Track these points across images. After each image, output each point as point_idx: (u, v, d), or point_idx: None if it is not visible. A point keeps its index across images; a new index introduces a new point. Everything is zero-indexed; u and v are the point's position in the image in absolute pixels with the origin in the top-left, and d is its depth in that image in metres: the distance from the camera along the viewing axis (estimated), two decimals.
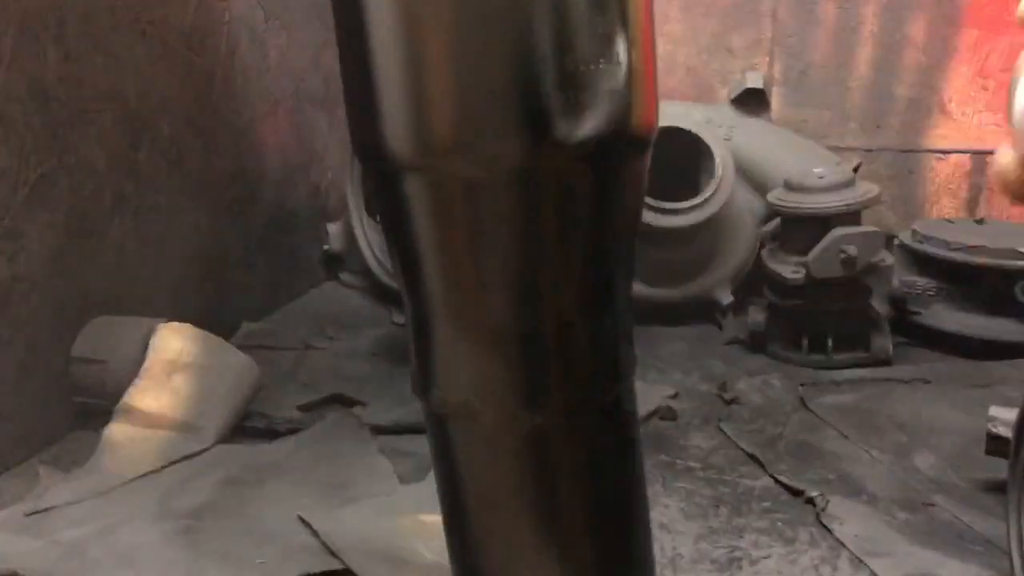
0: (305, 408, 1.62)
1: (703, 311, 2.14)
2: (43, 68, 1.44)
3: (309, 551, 1.13)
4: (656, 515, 1.27)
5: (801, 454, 1.45)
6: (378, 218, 0.76)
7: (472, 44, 0.63)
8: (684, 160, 2.11)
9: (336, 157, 2.54)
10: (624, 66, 0.68)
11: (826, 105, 2.36)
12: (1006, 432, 1.22)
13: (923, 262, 1.94)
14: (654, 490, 1.35)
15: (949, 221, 2.08)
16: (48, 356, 1.49)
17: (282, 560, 1.11)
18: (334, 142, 2.54)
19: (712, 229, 2.06)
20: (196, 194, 1.89)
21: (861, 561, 1.13)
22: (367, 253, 2.17)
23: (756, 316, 1.92)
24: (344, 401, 1.66)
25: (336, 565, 1.10)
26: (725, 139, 2.12)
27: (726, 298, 2.12)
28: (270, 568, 1.10)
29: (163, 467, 1.39)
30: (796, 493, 1.32)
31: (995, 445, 1.24)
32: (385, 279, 1.87)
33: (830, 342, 1.83)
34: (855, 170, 2.03)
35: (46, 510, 1.25)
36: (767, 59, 2.39)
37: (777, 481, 1.36)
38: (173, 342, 1.50)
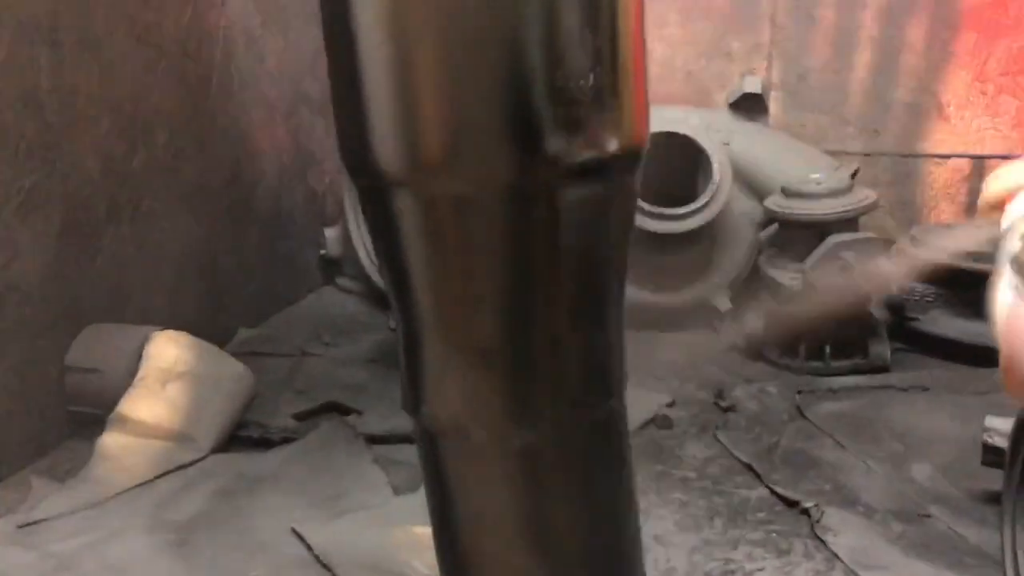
0: (300, 416, 1.62)
1: (701, 317, 2.13)
2: (37, 76, 1.43)
3: (302, 564, 1.13)
4: (651, 527, 1.27)
5: (797, 463, 1.44)
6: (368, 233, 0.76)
7: (462, 61, 0.63)
8: (682, 165, 2.10)
9: (334, 161, 2.53)
10: (614, 82, 0.68)
11: (825, 109, 2.36)
12: (1002, 443, 1.21)
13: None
14: (649, 501, 1.34)
15: (948, 225, 2.07)
16: (42, 365, 1.48)
17: (275, 573, 1.11)
18: (332, 146, 2.53)
19: (710, 234, 2.06)
20: (192, 200, 1.89)
21: (855, 574, 1.13)
22: (364, 258, 2.17)
23: (753, 322, 1.92)
24: (339, 409, 1.66)
25: None
26: (723, 144, 2.12)
27: (724, 304, 2.11)
28: None
29: (157, 477, 1.39)
30: (791, 504, 1.31)
31: (991, 456, 1.24)
32: (382, 284, 1.86)
33: (828, 349, 1.82)
34: (853, 176, 2.02)
35: (39, 522, 1.24)
36: (766, 63, 2.38)
37: (772, 491, 1.35)
38: (168, 351, 1.50)
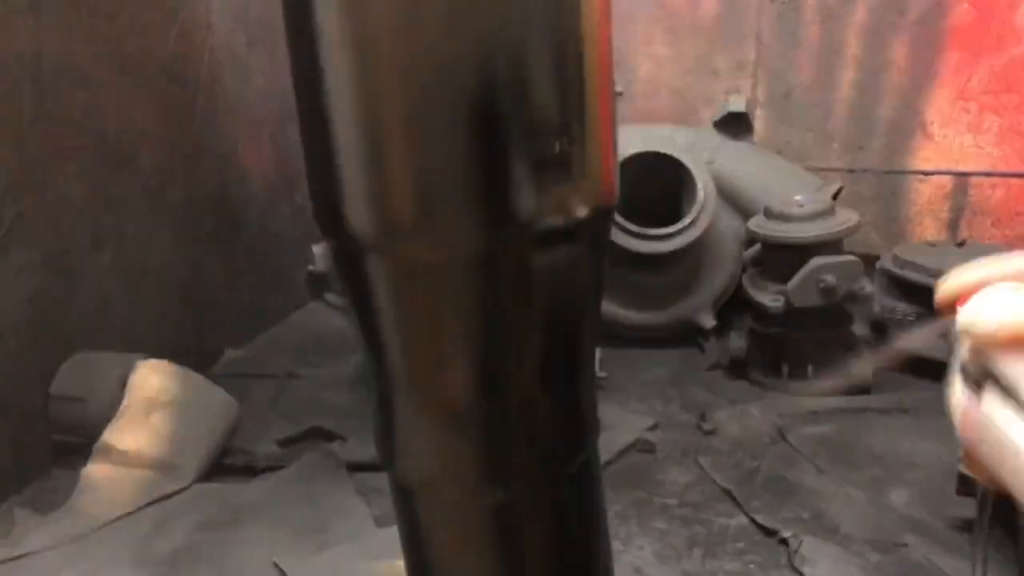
0: (284, 443, 1.62)
1: (686, 334, 2.14)
2: (19, 107, 1.44)
3: None
4: (631, 558, 1.28)
5: (777, 490, 1.46)
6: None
7: (432, 129, 0.63)
8: (668, 183, 2.11)
9: None
10: (583, 148, 0.68)
11: (809, 127, 2.37)
12: None
13: (903, 287, 1.95)
14: (629, 530, 1.36)
15: (930, 244, 2.09)
16: (26, 394, 1.49)
17: None
18: None
19: (694, 254, 2.07)
20: (177, 223, 1.89)
21: None
22: None
23: (737, 342, 1.93)
24: (324, 435, 1.66)
25: None
26: (708, 163, 2.13)
27: (708, 322, 2.13)
28: None
29: (141, 508, 1.39)
30: (770, 533, 1.33)
31: (965, 486, 1.25)
32: None
33: (810, 369, 1.84)
34: (835, 196, 2.04)
35: (22, 556, 1.25)
36: (751, 81, 2.39)
37: (752, 520, 1.37)
38: (152, 380, 1.50)
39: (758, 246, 2.00)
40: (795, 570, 1.23)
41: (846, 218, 1.81)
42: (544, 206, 0.66)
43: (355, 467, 1.51)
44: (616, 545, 1.31)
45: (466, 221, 0.65)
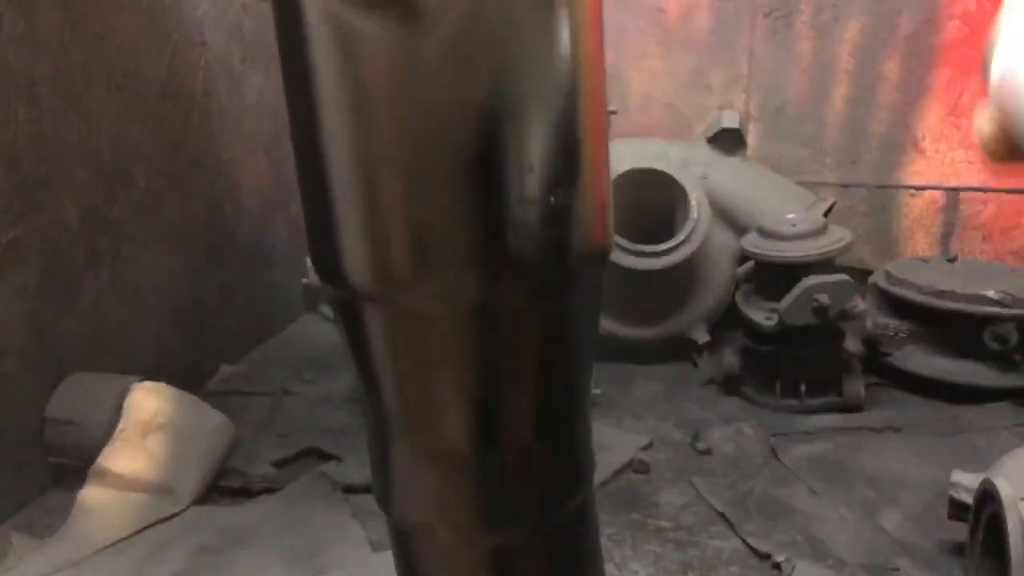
0: (280, 464, 1.63)
1: (679, 350, 2.15)
2: (14, 130, 1.43)
3: None
4: None
5: (771, 512, 1.47)
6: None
7: (428, 182, 0.64)
8: (661, 198, 2.12)
9: None
10: (577, 199, 0.69)
11: (802, 141, 2.38)
12: (967, 498, 1.24)
13: (895, 304, 1.96)
14: (623, 554, 1.36)
15: (922, 260, 2.10)
16: (22, 416, 1.49)
17: None
18: None
19: (688, 270, 2.08)
20: (172, 241, 1.89)
21: None
22: None
23: (730, 359, 1.94)
24: (319, 455, 1.67)
25: None
26: (701, 178, 2.14)
27: (702, 337, 2.14)
28: None
29: (137, 532, 1.39)
30: (764, 557, 1.34)
31: (956, 511, 1.27)
32: None
33: (803, 387, 1.85)
34: (827, 213, 2.05)
35: None
36: (744, 96, 2.40)
37: (745, 543, 1.38)
38: (148, 402, 1.50)
39: (751, 263, 2.01)
40: None
41: (838, 237, 1.82)
42: (540, 257, 0.67)
43: (350, 489, 1.52)
44: (610, 569, 1.31)
45: (463, 272, 0.66)
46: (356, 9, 0.59)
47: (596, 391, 1.92)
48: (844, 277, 1.76)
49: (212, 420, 1.57)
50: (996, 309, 1.79)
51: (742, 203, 2.14)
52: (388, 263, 0.67)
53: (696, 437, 1.73)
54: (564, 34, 0.64)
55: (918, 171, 2.30)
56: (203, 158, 2.01)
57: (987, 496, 1.12)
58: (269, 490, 1.54)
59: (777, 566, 1.31)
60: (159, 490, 1.45)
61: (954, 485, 1.27)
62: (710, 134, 2.21)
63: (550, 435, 0.77)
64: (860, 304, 1.81)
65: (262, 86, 2.25)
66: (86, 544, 1.35)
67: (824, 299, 1.74)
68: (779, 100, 2.38)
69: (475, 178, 0.63)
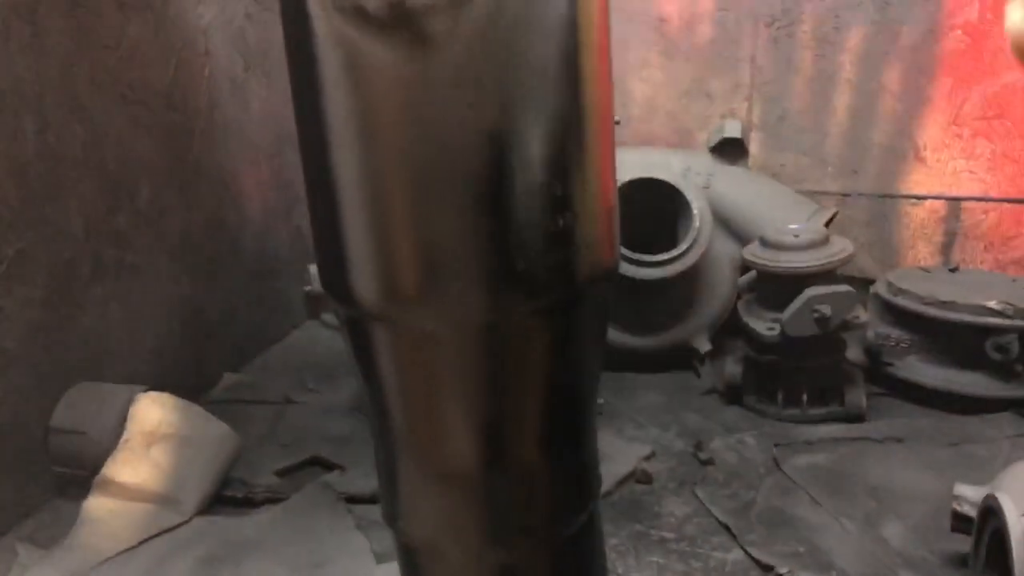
0: (283, 473, 1.63)
1: (682, 358, 2.16)
2: (21, 144, 1.44)
3: None
4: None
5: (773, 523, 1.47)
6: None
7: (437, 204, 0.65)
8: (664, 207, 2.13)
9: None
10: (584, 217, 0.70)
11: (804, 150, 2.39)
12: (971, 511, 1.25)
13: (897, 314, 1.96)
14: (627, 564, 1.37)
15: (924, 270, 2.11)
16: (27, 427, 1.49)
17: None
18: None
19: (690, 279, 2.08)
20: (176, 251, 1.90)
21: None
22: None
23: (732, 368, 1.95)
24: (322, 464, 1.67)
25: None
26: (704, 187, 2.15)
27: (704, 346, 2.14)
28: None
29: (142, 542, 1.40)
30: (766, 568, 1.34)
31: (960, 523, 1.27)
32: None
33: (805, 396, 1.85)
34: (828, 223, 2.06)
35: None
36: (746, 104, 2.41)
37: (748, 554, 1.38)
38: (152, 412, 1.51)
39: (753, 273, 2.02)
40: None
41: (840, 248, 1.83)
42: (547, 278, 0.67)
43: (354, 499, 1.52)
44: None
45: (470, 293, 0.67)
46: (366, 33, 0.60)
47: (599, 400, 1.92)
48: (846, 288, 1.77)
49: (216, 430, 1.57)
50: (997, 320, 1.79)
51: (744, 212, 2.15)
52: (396, 283, 0.68)
53: (698, 447, 1.73)
54: (571, 59, 0.65)
55: (919, 181, 2.30)
56: (207, 168, 2.01)
57: (990, 511, 1.13)
58: (272, 500, 1.55)
59: None
60: (163, 500, 1.45)
61: (957, 498, 1.28)
62: (712, 143, 2.22)
63: (556, 454, 0.77)
64: (862, 315, 1.82)
65: (265, 95, 2.25)
66: (91, 554, 1.36)
67: (826, 310, 1.74)
68: (781, 109, 2.39)
69: (483, 200, 0.64)
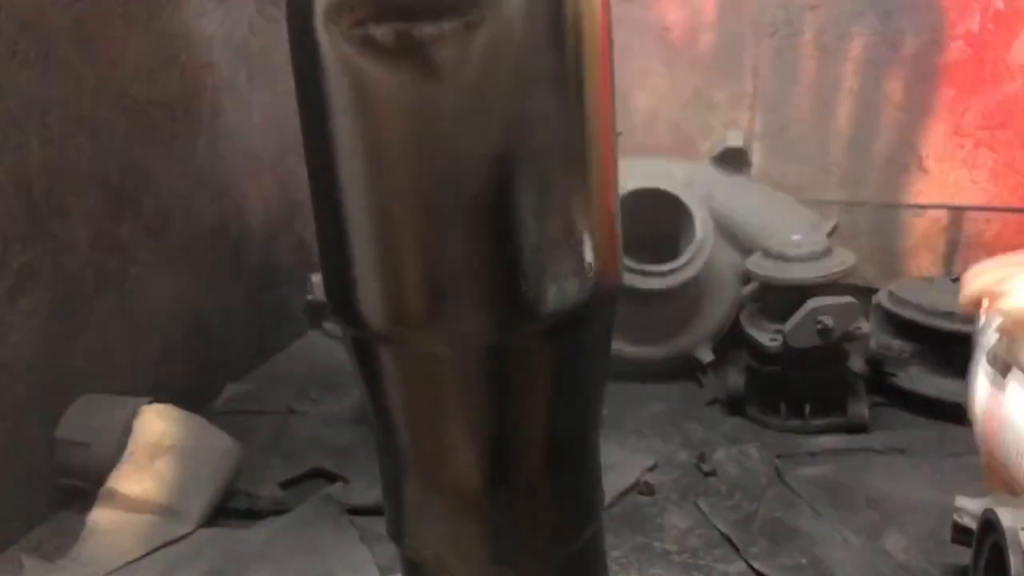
0: (286, 485, 1.64)
1: (684, 369, 2.16)
2: (26, 157, 1.45)
3: None
4: None
5: (775, 535, 1.47)
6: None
7: (443, 228, 0.66)
8: (666, 217, 2.13)
9: None
10: (589, 241, 0.71)
11: (806, 160, 2.39)
12: (971, 523, 1.25)
13: (899, 324, 1.97)
14: None
15: (926, 280, 2.11)
16: (32, 439, 1.50)
17: None
18: None
19: (693, 289, 2.09)
20: (179, 262, 1.91)
21: None
22: None
23: (735, 379, 1.95)
24: (326, 475, 1.68)
25: None
26: (706, 197, 2.15)
27: (707, 356, 2.14)
28: None
29: (146, 554, 1.40)
30: None
31: (960, 536, 1.27)
32: None
33: (807, 407, 1.85)
34: (830, 233, 2.06)
35: None
36: (748, 114, 2.42)
37: (751, 567, 1.38)
38: (156, 424, 1.51)
39: (755, 283, 2.02)
40: None
41: (843, 259, 1.83)
42: (551, 300, 0.68)
43: (357, 511, 1.53)
44: None
45: (476, 315, 0.67)
46: (374, 62, 0.61)
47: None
48: (849, 299, 1.77)
49: (220, 442, 1.58)
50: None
51: (747, 222, 2.15)
52: (402, 305, 0.68)
53: (701, 458, 1.74)
54: (574, 83, 0.66)
55: (922, 190, 2.31)
56: (210, 178, 2.02)
57: (989, 525, 1.13)
58: (276, 512, 1.55)
59: None
60: (168, 512, 1.46)
61: (958, 510, 1.28)
62: (715, 153, 2.22)
63: (560, 472, 0.78)
64: (864, 326, 1.82)
65: (268, 105, 2.26)
66: (96, 566, 1.36)
67: (829, 321, 1.75)
68: (783, 119, 2.39)
69: (489, 225, 0.65)
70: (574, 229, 0.69)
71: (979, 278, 0.64)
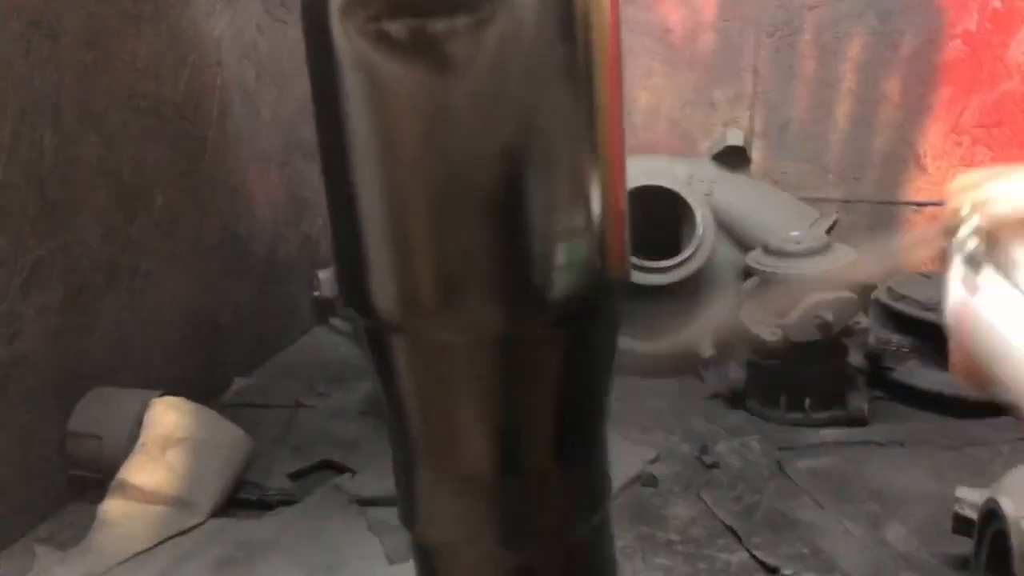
0: (295, 476, 1.66)
1: (685, 363, 2.18)
2: (40, 155, 1.47)
3: None
4: None
5: (777, 525, 1.49)
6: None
7: (455, 219, 0.67)
8: (667, 214, 2.16)
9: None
10: (598, 232, 0.72)
11: (805, 158, 2.42)
12: (972, 514, 1.27)
13: (898, 319, 1.99)
14: (634, 567, 1.39)
15: (924, 276, 2.13)
16: (45, 431, 1.53)
17: None
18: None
19: (693, 285, 2.11)
20: (188, 258, 1.93)
21: None
22: None
23: (735, 373, 1.97)
24: (334, 467, 1.70)
25: None
26: (706, 194, 2.18)
27: (707, 350, 2.16)
28: None
29: (157, 544, 1.43)
30: (771, 570, 1.37)
31: (961, 526, 1.29)
32: None
33: (807, 401, 1.87)
34: (830, 230, 2.08)
35: None
36: (748, 113, 2.44)
37: (753, 556, 1.41)
38: (167, 416, 1.54)
39: (755, 278, 2.05)
40: None
41: (842, 255, 1.85)
42: (560, 290, 0.70)
43: (365, 502, 1.55)
44: None
45: (487, 306, 0.69)
46: (388, 57, 0.63)
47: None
48: (848, 294, 1.79)
49: (230, 434, 1.60)
50: None
51: (746, 219, 2.17)
52: (415, 296, 0.70)
53: (703, 450, 1.76)
54: (585, 75, 0.68)
55: (920, 187, 2.33)
56: (219, 176, 2.05)
57: (991, 514, 1.15)
58: (285, 503, 1.57)
59: None
60: (179, 503, 1.48)
61: (959, 501, 1.30)
62: (715, 151, 2.25)
63: (569, 460, 0.80)
64: (863, 320, 1.85)
65: (275, 104, 2.29)
66: (108, 556, 1.39)
67: (828, 316, 1.77)
68: (783, 118, 2.42)
69: (500, 216, 0.66)
70: (584, 221, 0.70)
71: (961, 184, 0.67)
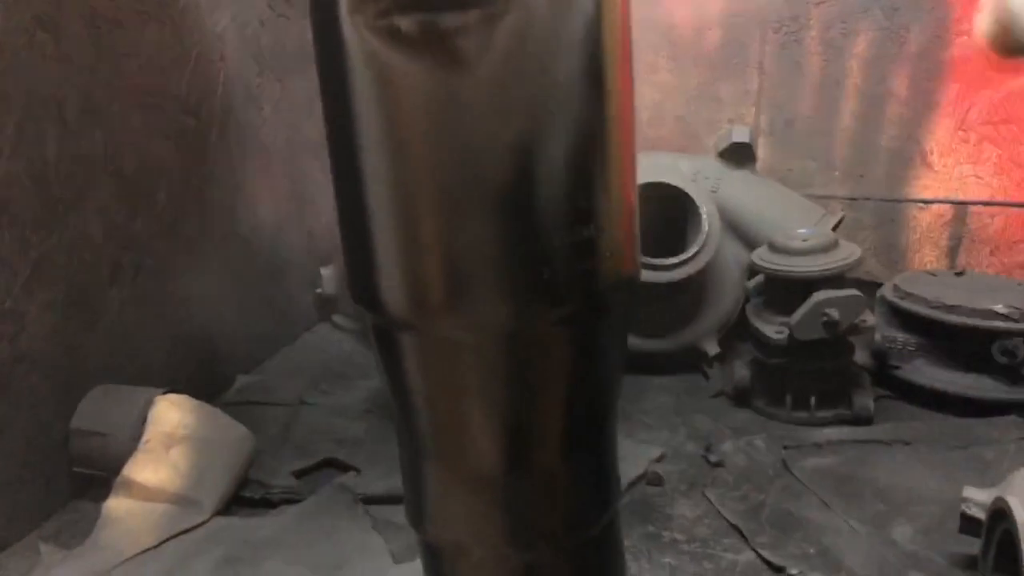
0: (299, 475, 1.65)
1: (690, 361, 2.18)
2: (44, 150, 1.47)
3: None
4: None
5: (783, 524, 1.49)
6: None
7: (465, 217, 0.67)
8: (673, 211, 2.15)
9: (329, 201, 2.57)
10: (607, 227, 0.72)
11: (811, 155, 2.41)
12: (979, 514, 1.26)
13: (904, 318, 1.98)
14: (640, 566, 1.39)
15: (931, 273, 2.12)
16: (48, 429, 1.52)
17: None
18: (327, 186, 2.57)
19: (699, 282, 2.10)
20: (191, 254, 1.93)
21: None
22: None
23: (741, 371, 1.97)
24: (338, 465, 1.70)
25: None
26: (712, 191, 2.17)
27: (712, 348, 2.16)
28: None
29: (162, 542, 1.42)
30: (777, 570, 1.36)
31: (968, 525, 1.29)
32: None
33: (813, 400, 1.87)
34: (836, 227, 2.08)
35: None
36: (754, 109, 2.43)
37: (759, 556, 1.40)
38: (171, 414, 1.53)
39: (761, 276, 2.04)
40: None
41: (848, 252, 1.84)
42: (570, 287, 0.69)
43: (370, 500, 1.54)
44: None
45: (496, 303, 0.69)
46: (399, 52, 0.62)
47: None
48: (854, 292, 1.78)
49: (234, 432, 1.60)
50: (1003, 323, 1.81)
51: (752, 216, 2.16)
52: (424, 293, 0.70)
53: (708, 449, 1.75)
54: (596, 71, 0.67)
55: (926, 185, 2.32)
56: (222, 172, 2.04)
57: (1000, 514, 1.15)
58: (289, 501, 1.57)
59: None
60: (183, 501, 1.48)
61: (966, 500, 1.29)
62: (720, 148, 2.24)
63: (578, 458, 0.80)
64: (869, 319, 1.84)
65: (278, 100, 2.28)
66: (113, 554, 1.38)
67: (834, 314, 1.76)
68: (789, 114, 2.41)
69: (510, 213, 0.66)
70: (593, 216, 0.70)
71: None
